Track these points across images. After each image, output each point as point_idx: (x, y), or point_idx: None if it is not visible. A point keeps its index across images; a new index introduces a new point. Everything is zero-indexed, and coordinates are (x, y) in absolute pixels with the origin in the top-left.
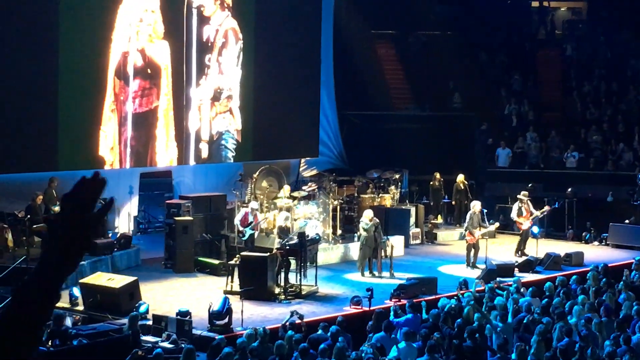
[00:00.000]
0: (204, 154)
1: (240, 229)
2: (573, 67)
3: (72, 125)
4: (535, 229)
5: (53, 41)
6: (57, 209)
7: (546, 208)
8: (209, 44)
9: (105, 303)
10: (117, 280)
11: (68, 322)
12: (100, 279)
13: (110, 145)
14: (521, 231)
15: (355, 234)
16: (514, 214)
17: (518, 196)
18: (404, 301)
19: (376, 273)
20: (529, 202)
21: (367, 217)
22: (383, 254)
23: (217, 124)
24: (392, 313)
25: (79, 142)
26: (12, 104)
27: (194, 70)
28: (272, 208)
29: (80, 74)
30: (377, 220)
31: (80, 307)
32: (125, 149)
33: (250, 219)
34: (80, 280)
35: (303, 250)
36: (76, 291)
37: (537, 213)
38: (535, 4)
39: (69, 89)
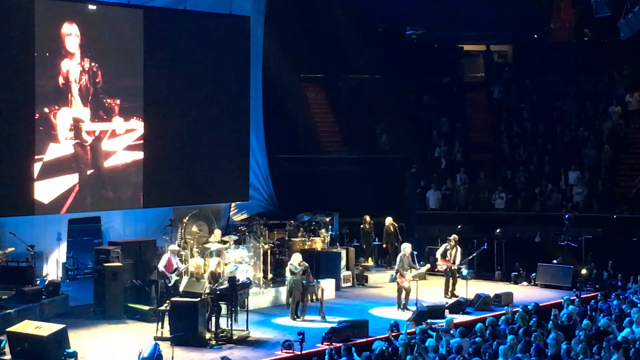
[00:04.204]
0: (133, 199)
1: (168, 275)
2: (501, 109)
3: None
4: (464, 271)
5: None
6: None
7: (463, 267)
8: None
9: (33, 352)
10: (45, 328)
11: None
12: (28, 327)
13: (39, 191)
14: (437, 269)
15: (286, 278)
16: (438, 253)
17: (448, 238)
18: (336, 344)
19: (302, 317)
20: (458, 247)
21: (295, 261)
22: (314, 297)
23: (147, 168)
24: (327, 357)
25: (8, 189)
26: None
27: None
28: (205, 254)
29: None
30: (307, 264)
31: (8, 357)
32: (53, 195)
33: (175, 263)
34: (7, 329)
35: (234, 294)
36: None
37: (457, 264)
38: (463, 47)
39: None
